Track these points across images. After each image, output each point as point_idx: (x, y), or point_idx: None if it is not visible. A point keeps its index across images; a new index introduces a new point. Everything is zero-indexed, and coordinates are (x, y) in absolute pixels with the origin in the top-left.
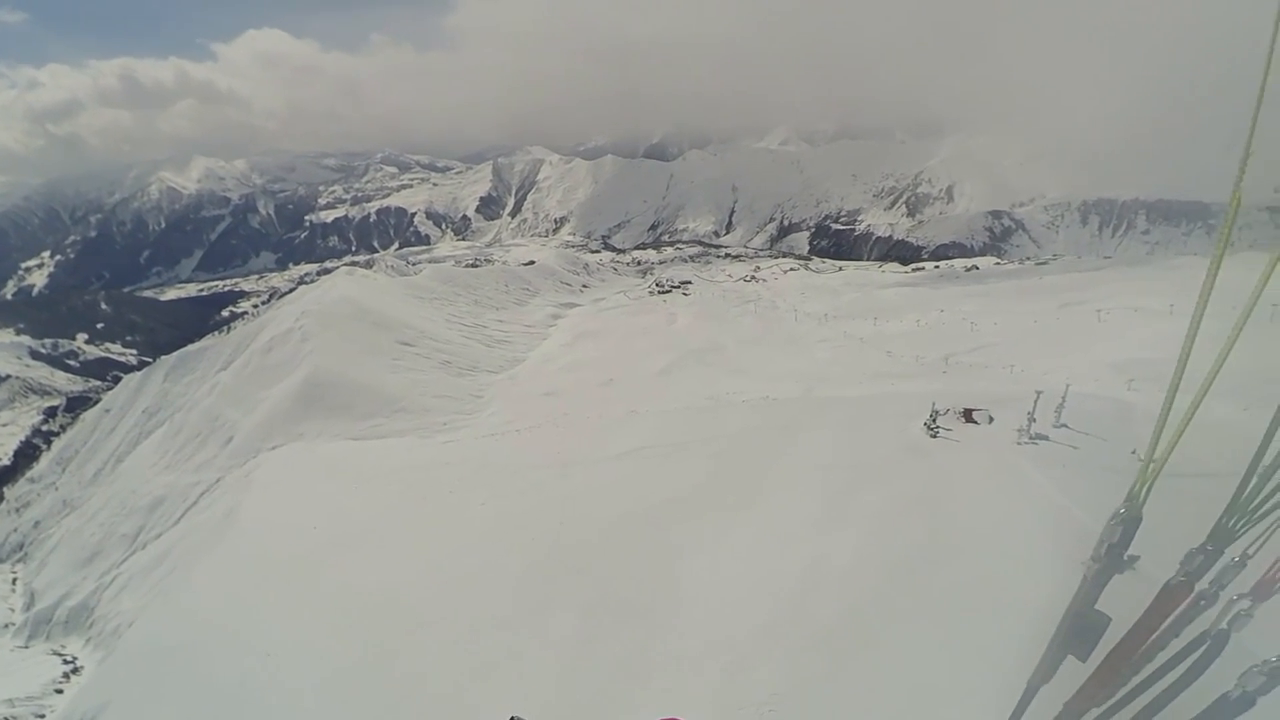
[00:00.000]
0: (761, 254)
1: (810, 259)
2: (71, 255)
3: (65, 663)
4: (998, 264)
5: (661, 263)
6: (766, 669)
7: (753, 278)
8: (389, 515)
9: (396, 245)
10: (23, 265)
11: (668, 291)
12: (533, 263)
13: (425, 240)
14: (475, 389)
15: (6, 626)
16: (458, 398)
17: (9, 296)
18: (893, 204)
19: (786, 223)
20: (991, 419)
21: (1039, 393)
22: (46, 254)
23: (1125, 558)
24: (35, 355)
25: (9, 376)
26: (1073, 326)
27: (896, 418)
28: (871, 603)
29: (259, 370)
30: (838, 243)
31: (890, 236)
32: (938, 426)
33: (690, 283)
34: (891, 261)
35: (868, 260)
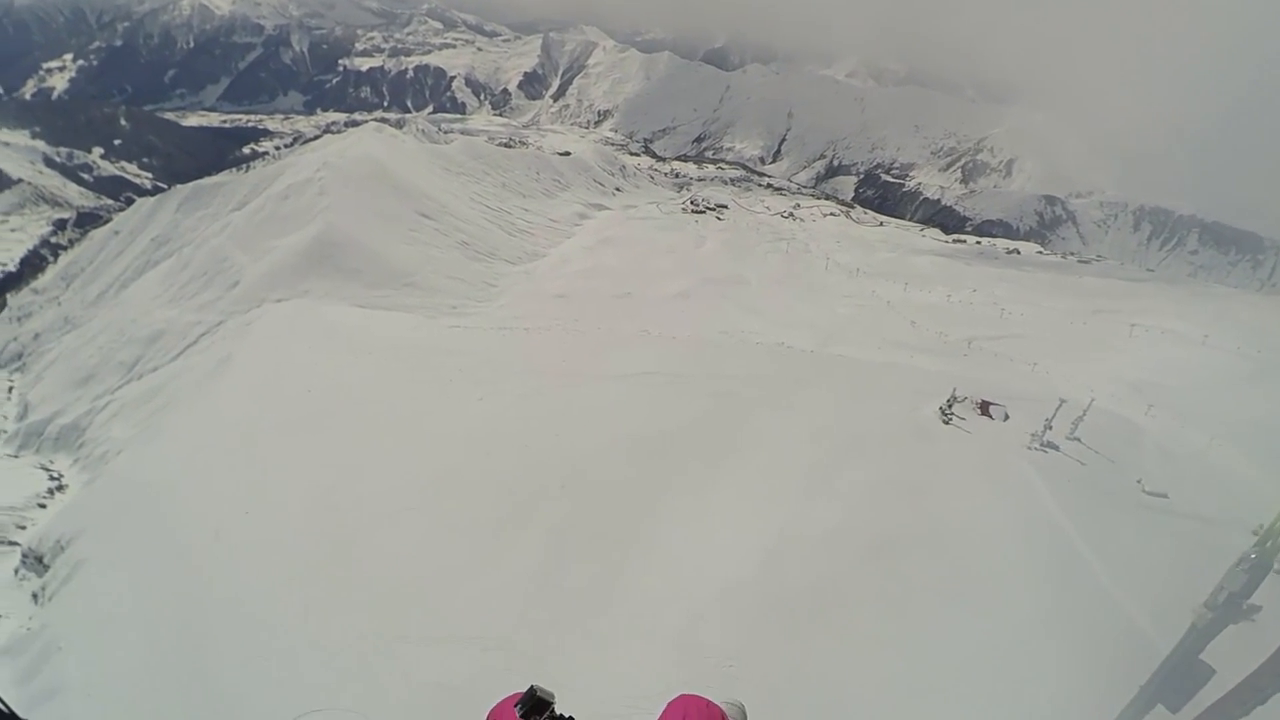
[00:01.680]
0: (804, 190)
1: (853, 206)
2: (94, 62)
3: (51, 479)
4: (1040, 253)
5: (701, 179)
6: (726, 629)
7: (791, 215)
8: (382, 394)
9: (430, 108)
10: (44, 65)
11: (701, 212)
12: (569, 154)
13: (461, 108)
14: (490, 276)
15: (1, 433)
16: (471, 282)
17: (27, 96)
18: (949, 166)
19: (836, 163)
20: (1007, 416)
21: (1062, 401)
22: (69, 57)
23: (1245, 607)
24: (49, 163)
25: (21, 180)
26: (1102, 334)
27: (909, 394)
28: (841, 579)
29: (272, 217)
30: (884, 195)
31: (939, 200)
32: (952, 413)
33: (726, 207)
34: (934, 227)
35: (910, 220)
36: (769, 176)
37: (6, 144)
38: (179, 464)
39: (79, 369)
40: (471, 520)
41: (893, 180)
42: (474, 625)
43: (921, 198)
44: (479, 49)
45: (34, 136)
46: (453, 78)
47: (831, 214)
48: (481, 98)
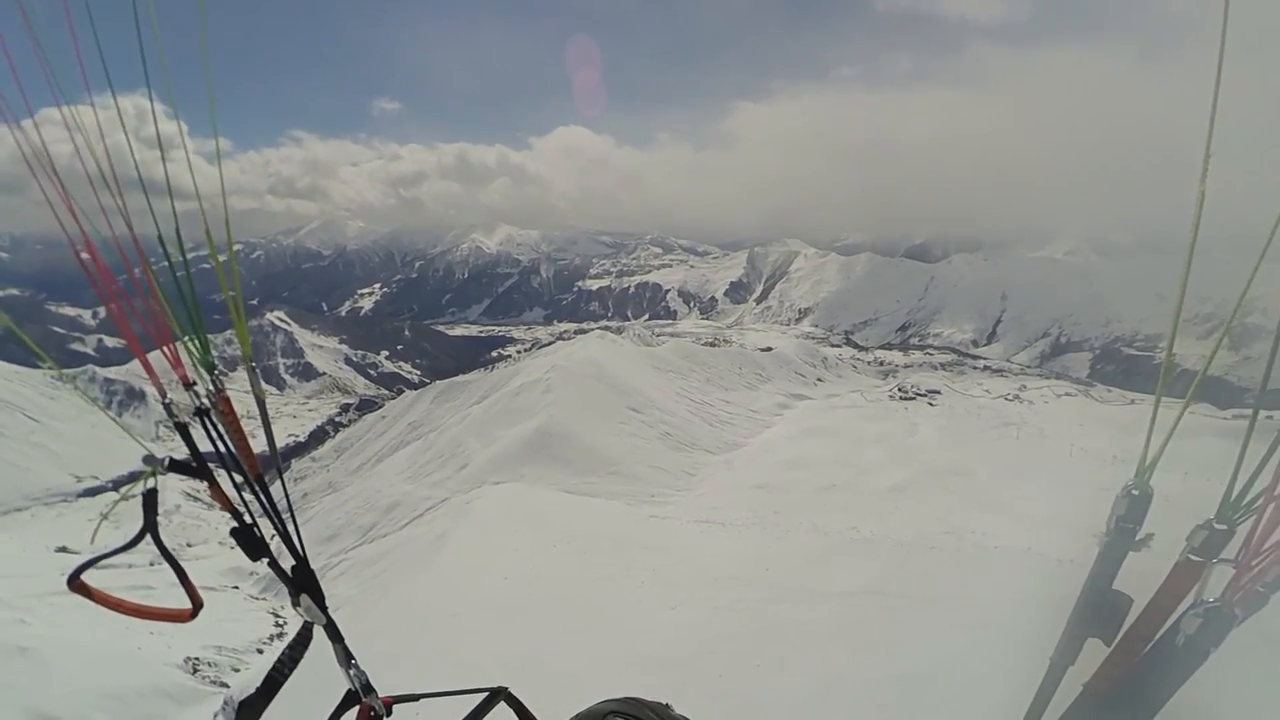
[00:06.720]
0: (1029, 371)
1: (1093, 385)
2: (394, 289)
3: (276, 625)
4: None
5: (908, 366)
6: None
7: (1016, 397)
8: (573, 589)
9: (647, 316)
10: (359, 291)
11: (911, 399)
12: (770, 349)
13: (673, 315)
14: (690, 466)
15: (253, 574)
16: (671, 471)
17: (343, 313)
18: (1209, 333)
19: (1064, 340)
20: None
21: None
22: (377, 285)
23: (1138, 537)
24: (348, 361)
25: (325, 373)
26: None
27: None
28: None
29: (504, 410)
30: (1129, 370)
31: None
32: None
33: (939, 393)
34: (1203, 402)
35: (1169, 396)
36: (985, 359)
37: (321, 346)
38: (378, 634)
39: (328, 527)
40: None
41: (1137, 353)
42: None
43: (1179, 370)
44: (691, 266)
45: (340, 342)
46: (668, 290)
47: (1067, 394)
48: (691, 305)
